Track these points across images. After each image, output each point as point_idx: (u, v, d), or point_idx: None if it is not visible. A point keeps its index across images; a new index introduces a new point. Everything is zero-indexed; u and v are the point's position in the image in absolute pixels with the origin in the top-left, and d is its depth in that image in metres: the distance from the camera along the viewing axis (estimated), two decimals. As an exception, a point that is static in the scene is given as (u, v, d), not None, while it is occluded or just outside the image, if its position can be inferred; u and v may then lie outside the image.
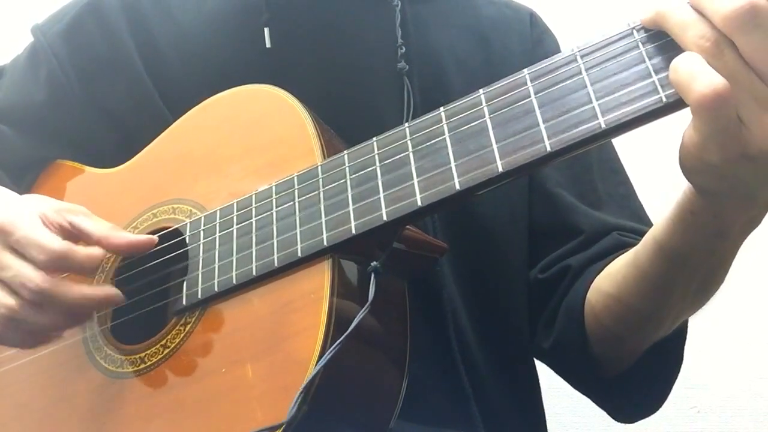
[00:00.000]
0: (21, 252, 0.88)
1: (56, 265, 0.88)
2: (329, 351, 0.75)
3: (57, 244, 0.88)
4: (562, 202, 1.08)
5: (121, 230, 0.96)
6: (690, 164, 0.70)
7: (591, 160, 1.10)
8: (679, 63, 0.66)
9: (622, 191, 1.11)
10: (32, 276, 0.87)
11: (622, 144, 1.07)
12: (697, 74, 0.64)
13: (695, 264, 0.85)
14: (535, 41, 1.16)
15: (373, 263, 0.81)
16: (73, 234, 0.92)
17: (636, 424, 1.06)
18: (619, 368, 1.00)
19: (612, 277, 0.96)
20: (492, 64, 1.11)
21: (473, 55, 1.12)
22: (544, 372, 1.11)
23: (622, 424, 1.09)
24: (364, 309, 0.78)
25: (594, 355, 1.00)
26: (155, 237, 0.95)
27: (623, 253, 0.97)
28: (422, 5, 1.12)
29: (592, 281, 0.99)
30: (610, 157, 1.13)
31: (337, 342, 0.76)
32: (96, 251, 0.90)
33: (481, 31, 1.14)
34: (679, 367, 1.01)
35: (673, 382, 1.02)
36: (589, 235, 1.05)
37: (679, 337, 0.99)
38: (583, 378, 1.07)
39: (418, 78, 1.06)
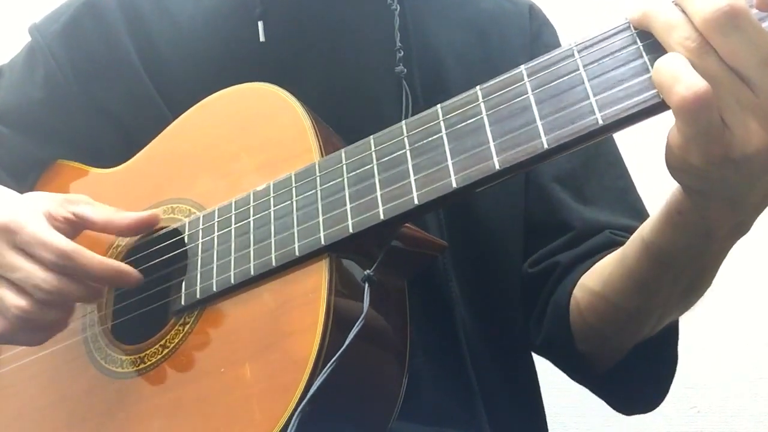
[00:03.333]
0: (29, 252, 0.88)
1: (64, 264, 0.87)
2: (324, 372, 0.75)
3: (65, 243, 0.88)
4: (555, 198, 1.07)
5: (123, 212, 0.96)
6: (674, 164, 0.70)
7: (589, 154, 1.09)
8: (661, 64, 0.66)
9: (620, 185, 1.10)
10: (45, 277, 0.87)
11: (624, 139, 1.06)
12: (679, 76, 0.64)
13: (682, 265, 0.84)
14: (534, 34, 1.16)
15: (366, 272, 0.81)
16: (79, 224, 0.92)
17: (636, 424, 1.06)
18: (607, 365, 1.00)
19: (598, 274, 0.96)
20: (491, 59, 1.11)
21: (472, 49, 1.11)
22: (544, 371, 1.11)
23: (621, 424, 1.09)
24: (359, 321, 0.77)
25: (580, 352, 1.00)
26: (158, 212, 0.95)
27: (613, 251, 0.97)
28: (421, 0, 1.12)
29: (579, 279, 0.99)
30: (609, 151, 1.12)
31: (332, 361, 0.76)
32: (108, 261, 0.91)
33: (479, 26, 1.14)
34: (675, 364, 1.00)
35: (670, 380, 1.01)
36: (579, 232, 1.04)
37: (670, 335, 0.98)
38: (576, 372, 1.07)
39: (418, 78, 1.06)
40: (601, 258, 0.98)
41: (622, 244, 0.95)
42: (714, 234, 0.78)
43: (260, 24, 1.07)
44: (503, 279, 1.07)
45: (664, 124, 0.70)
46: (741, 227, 0.79)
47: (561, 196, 1.07)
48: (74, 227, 0.92)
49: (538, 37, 1.16)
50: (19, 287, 0.88)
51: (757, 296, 1.61)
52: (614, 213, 1.06)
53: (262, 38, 1.07)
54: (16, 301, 0.88)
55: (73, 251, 0.88)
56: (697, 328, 1.58)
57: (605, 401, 1.07)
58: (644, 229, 0.86)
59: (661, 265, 0.85)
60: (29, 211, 0.90)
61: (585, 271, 0.99)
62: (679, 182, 0.75)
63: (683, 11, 0.66)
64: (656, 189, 0.94)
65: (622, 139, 1.05)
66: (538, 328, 1.05)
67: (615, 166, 1.11)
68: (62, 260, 0.87)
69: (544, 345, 1.05)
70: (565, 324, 0.99)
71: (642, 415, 1.05)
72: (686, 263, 0.84)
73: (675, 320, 0.97)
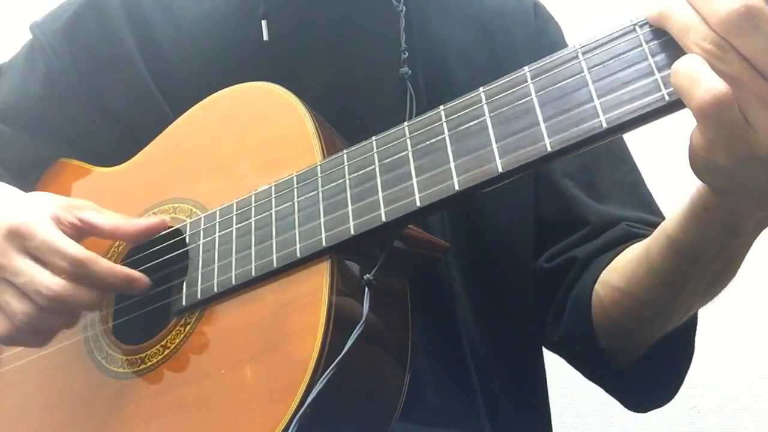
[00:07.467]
0: (41, 258, 0.88)
1: (77, 272, 0.88)
2: (323, 378, 0.75)
3: (79, 251, 0.88)
4: (568, 193, 1.07)
5: (130, 219, 0.96)
6: (699, 164, 0.69)
7: (598, 150, 1.07)
8: (679, 66, 0.65)
9: (630, 179, 1.10)
10: (48, 282, 0.87)
11: (634, 135, 1.06)
12: (697, 78, 0.63)
13: (708, 260, 0.84)
14: (539, 32, 1.15)
15: (366, 276, 0.81)
16: (85, 231, 0.92)
17: (636, 424, 1.06)
18: (629, 360, 0.99)
19: (621, 270, 0.95)
20: (497, 57, 1.10)
21: (477, 47, 1.11)
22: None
23: (621, 424, 1.09)
24: (359, 326, 0.78)
25: (602, 348, 0.99)
26: (166, 218, 0.95)
27: (632, 244, 0.97)
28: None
29: (600, 274, 0.98)
30: (618, 146, 1.12)
31: (331, 367, 0.76)
32: (118, 268, 0.91)
33: (484, 23, 1.14)
34: (691, 357, 1.00)
35: (685, 372, 1.01)
36: (595, 226, 1.04)
37: (689, 327, 0.98)
38: (593, 369, 1.06)
39: (423, 79, 1.05)
40: (620, 251, 0.98)
41: (639, 235, 0.95)
42: (740, 229, 0.78)
43: (264, 23, 1.06)
44: (509, 278, 1.07)
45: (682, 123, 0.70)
46: (766, 220, 0.78)
47: (574, 191, 1.07)
48: (80, 233, 0.92)
49: (544, 34, 1.16)
50: (22, 292, 0.88)
51: (757, 296, 1.61)
52: (626, 207, 1.06)
53: (265, 37, 1.06)
54: (19, 305, 0.88)
55: (86, 259, 0.88)
56: (697, 328, 1.58)
57: (620, 399, 1.06)
58: (669, 226, 0.85)
59: (687, 262, 0.85)
60: (39, 215, 0.90)
61: (604, 265, 0.98)
62: (705, 183, 0.74)
63: (698, 12, 0.65)
64: (671, 182, 0.94)
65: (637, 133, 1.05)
66: (556, 325, 1.04)
67: (624, 161, 1.11)
68: (75, 267, 0.87)
69: (563, 341, 1.04)
70: (587, 320, 0.98)
71: (642, 415, 1.05)
72: (712, 258, 0.83)
73: (695, 313, 0.97)
